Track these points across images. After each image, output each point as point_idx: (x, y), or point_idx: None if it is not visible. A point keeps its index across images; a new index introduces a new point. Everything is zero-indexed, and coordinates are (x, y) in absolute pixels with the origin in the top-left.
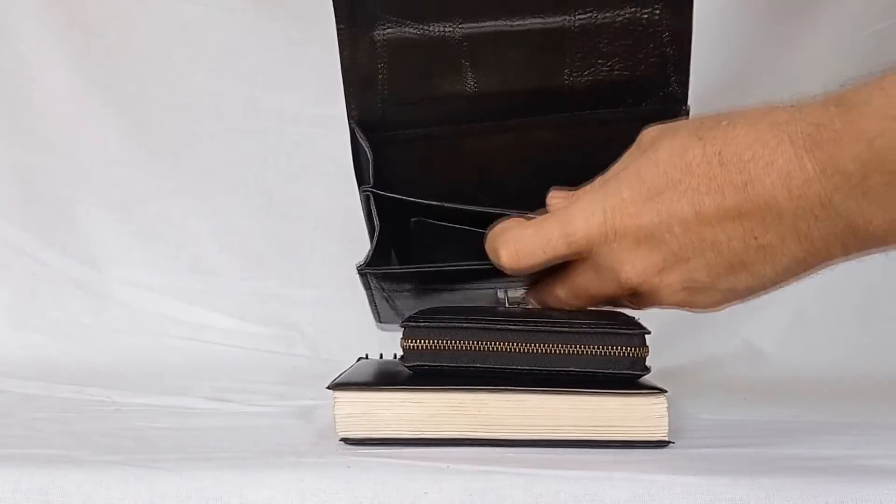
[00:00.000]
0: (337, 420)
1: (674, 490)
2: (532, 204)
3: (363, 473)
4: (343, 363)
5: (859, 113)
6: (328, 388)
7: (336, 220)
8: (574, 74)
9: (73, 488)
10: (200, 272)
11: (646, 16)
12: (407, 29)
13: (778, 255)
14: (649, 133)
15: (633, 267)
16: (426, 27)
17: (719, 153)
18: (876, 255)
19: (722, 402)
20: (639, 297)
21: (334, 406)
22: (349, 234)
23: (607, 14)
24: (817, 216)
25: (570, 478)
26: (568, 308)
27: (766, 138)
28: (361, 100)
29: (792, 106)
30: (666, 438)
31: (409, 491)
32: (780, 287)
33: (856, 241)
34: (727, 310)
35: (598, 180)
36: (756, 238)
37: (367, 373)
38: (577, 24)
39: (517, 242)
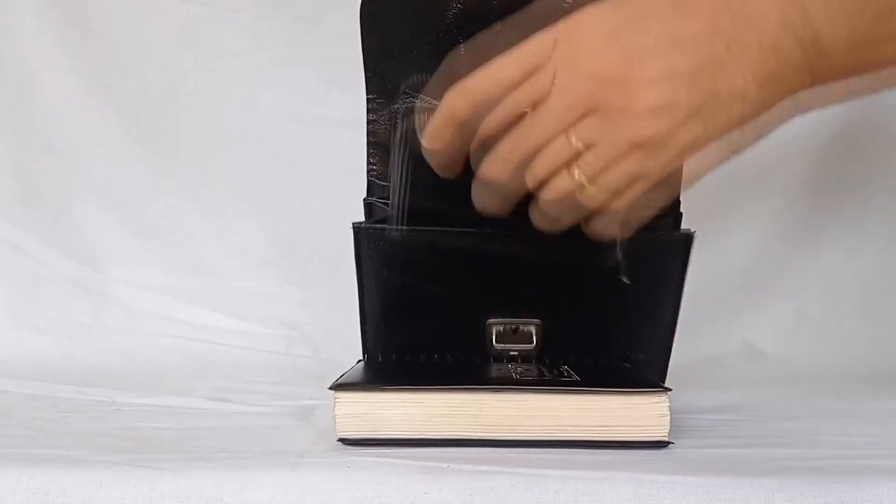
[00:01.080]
0: (337, 420)
1: (674, 490)
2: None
3: (363, 473)
4: (343, 363)
5: None
6: (330, 388)
7: (336, 220)
8: None
9: (73, 488)
10: (200, 272)
11: None
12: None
13: (754, 64)
14: None
15: (599, 60)
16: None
17: None
18: (876, 255)
19: (722, 403)
20: (598, 120)
21: (335, 406)
22: (349, 234)
23: None
24: (789, 18)
25: (570, 478)
26: (505, 160)
27: None
28: (381, 163)
29: None
30: (666, 439)
31: (409, 491)
32: (761, 111)
33: (820, 60)
34: (727, 310)
35: None
36: (735, 38)
37: (367, 373)
38: None
39: (465, 82)
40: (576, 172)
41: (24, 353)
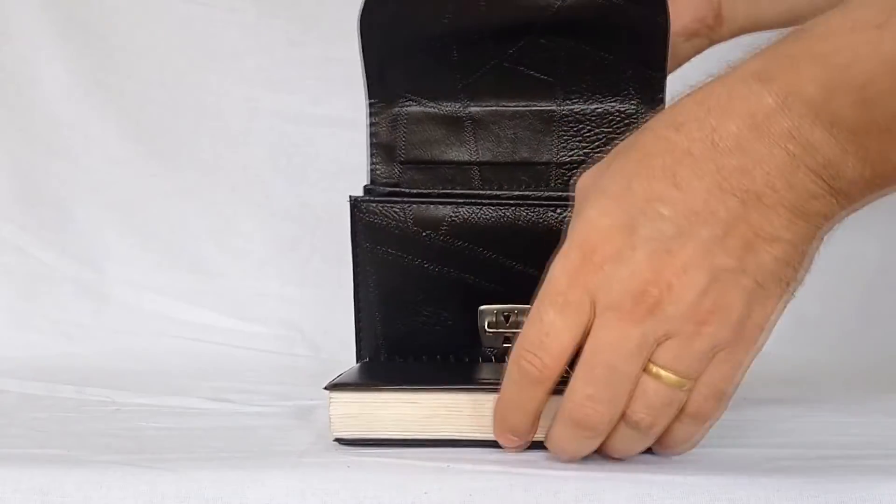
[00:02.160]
0: (332, 420)
1: (674, 490)
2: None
3: (363, 473)
4: (343, 363)
5: (815, 35)
6: (325, 388)
7: (336, 220)
8: (560, 153)
9: (73, 488)
10: (200, 272)
11: (624, 108)
12: (424, 107)
13: (776, 207)
14: (584, 178)
15: (651, 272)
16: (439, 105)
17: (672, 124)
18: (876, 255)
19: None
20: (672, 344)
21: (329, 406)
22: (349, 234)
23: (591, 104)
24: (791, 152)
25: (570, 478)
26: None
27: (714, 90)
28: (383, 163)
29: (744, 59)
30: None
31: (409, 491)
32: (809, 266)
33: (839, 182)
34: None
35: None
36: (747, 191)
37: (365, 374)
38: (564, 110)
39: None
40: (674, 396)
41: (24, 353)
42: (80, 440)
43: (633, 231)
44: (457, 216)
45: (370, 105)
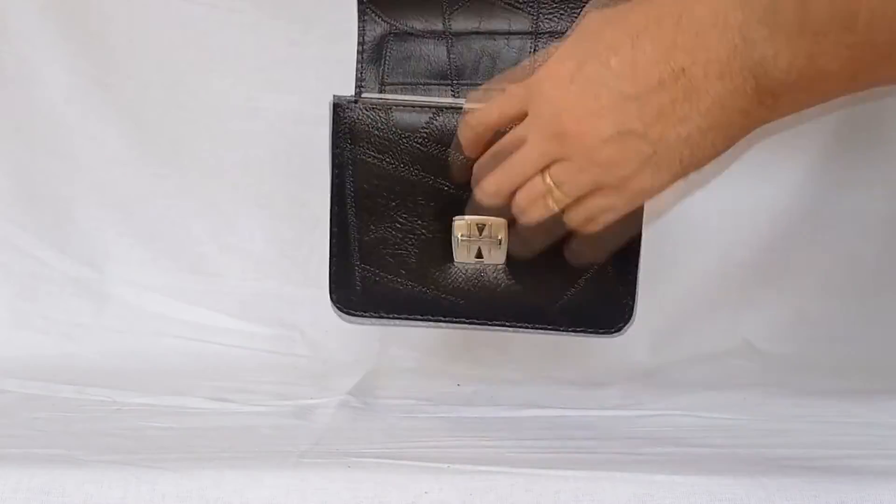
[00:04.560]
0: None
1: (674, 490)
2: None
3: (363, 473)
4: (343, 363)
5: None
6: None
7: None
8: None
9: (73, 488)
10: (200, 272)
11: None
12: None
13: (702, 92)
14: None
15: (570, 108)
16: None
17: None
18: (876, 255)
19: (722, 402)
20: (562, 166)
21: None
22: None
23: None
24: (736, 45)
25: (570, 478)
26: (496, 186)
27: None
28: (369, 73)
29: None
30: None
31: (409, 491)
32: (711, 157)
33: (766, 80)
34: (727, 310)
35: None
36: (684, 70)
37: None
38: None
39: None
40: (550, 203)
41: (24, 353)
42: (80, 440)
43: (581, 67)
44: (435, 122)
45: (362, 18)
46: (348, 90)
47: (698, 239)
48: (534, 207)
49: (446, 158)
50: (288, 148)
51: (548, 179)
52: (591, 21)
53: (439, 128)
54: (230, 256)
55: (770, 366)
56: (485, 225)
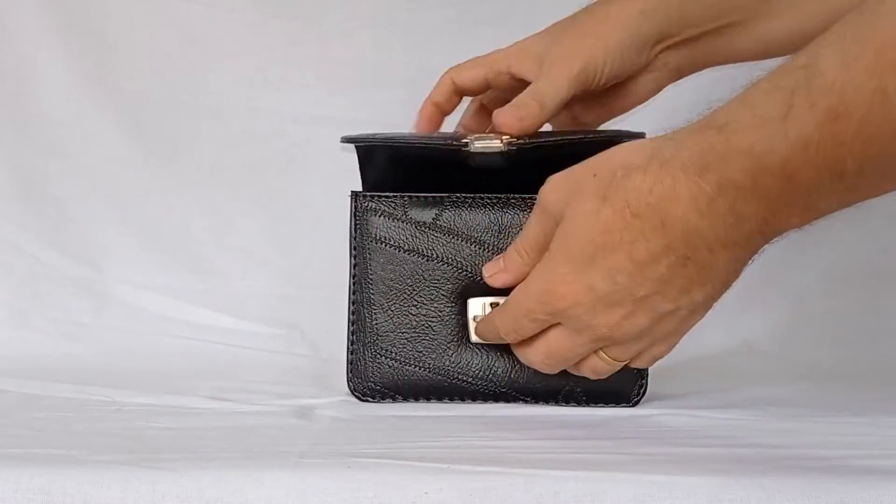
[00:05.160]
0: None
1: (674, 490)
2: None
3: (363, 473)
4: (343, 363)
5: (732, 130)
6: None
7: (336, 220)
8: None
9: (73, 488)
10: (200, 272)
11: None
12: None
13: (714, 263)
14: (551, 194)
15: (605, 322)
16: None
17: (628, 206)
18: (876, 255)
19: (722, 402)
20: (614, 349)
21: None
22: (348, 230)
23: None
24: (730, 223)
25: (570, 478)
26: (546, 367)
27: (660, 178)
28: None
29: (671, 139)
30: None
31: (409, 491)
32: (732, 284)
33: (769, 229)
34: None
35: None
36: (689, 258)
37: None
38: None
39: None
40: (607, 368)
41: (24, 353)
42: (80, 440)
43: (592, 289)
44: (448, 212)
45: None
46: (349, 90)
47: None
48: (590, 370)
49: (460, 246)
50: (288, 148)
51: (602, 355)
52: (574, 242)
53: (453, 216)
54: (230, 256)
55: (770, 366)
56: (499, 304)
